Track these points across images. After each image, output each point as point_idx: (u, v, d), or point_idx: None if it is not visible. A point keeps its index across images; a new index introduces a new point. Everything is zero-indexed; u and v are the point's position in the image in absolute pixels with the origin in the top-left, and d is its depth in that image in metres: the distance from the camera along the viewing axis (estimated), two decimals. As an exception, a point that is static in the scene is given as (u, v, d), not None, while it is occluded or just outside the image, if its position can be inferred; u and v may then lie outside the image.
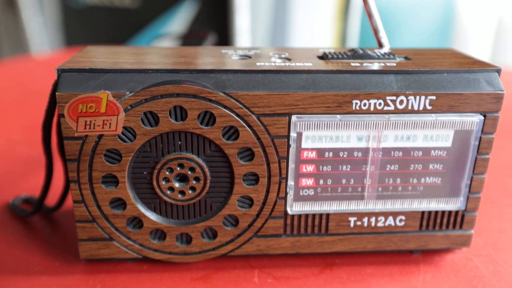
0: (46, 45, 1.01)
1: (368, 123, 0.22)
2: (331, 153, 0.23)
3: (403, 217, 0.24)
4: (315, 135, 0.22)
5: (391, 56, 0.24)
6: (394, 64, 0.23)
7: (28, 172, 0.35)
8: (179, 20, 0.97)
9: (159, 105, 0.21)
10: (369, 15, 0.27)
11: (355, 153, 0.23)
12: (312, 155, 0.23)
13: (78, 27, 1.01)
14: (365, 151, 0.23)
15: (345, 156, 0.23)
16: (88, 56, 0.23)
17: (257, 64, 0.22)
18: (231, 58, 0.23)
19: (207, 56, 0.24)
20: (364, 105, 0.22)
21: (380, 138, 0.23)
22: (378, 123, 0.22)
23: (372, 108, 0.22)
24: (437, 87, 0.22)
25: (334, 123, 0.22)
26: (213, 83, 0.21)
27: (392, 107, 0.22)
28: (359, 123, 0.22)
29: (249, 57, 0.24)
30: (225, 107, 0.21)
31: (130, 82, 0.21)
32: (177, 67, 0.21)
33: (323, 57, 0.24)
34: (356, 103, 0.22)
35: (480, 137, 0.23)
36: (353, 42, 0.93)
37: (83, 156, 0.21)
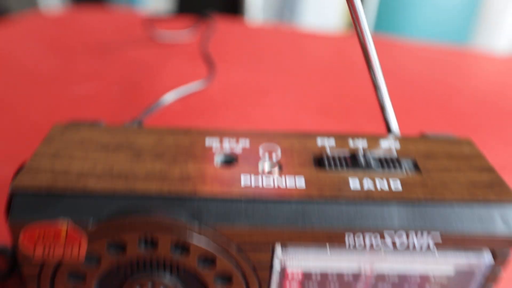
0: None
1: (361, 257, 0.20)
2: (318, 275, 0.21)
3: (392, 336, 0.22)
4: (302, 259, 0.20)
5: (397, 166, 0.21)
6: (399, 187, 0.20)
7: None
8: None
9: (126, 235, 0.18)
10: (380, 101, 0.24)
11: (345, 277, 0.21)
12: (298, 276, 0.21)
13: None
14: (357, 275, 0.21)
15: (334, 278, 0.21)
16: (50, 153, 0.20)
17: (241, 180, 0.20)
18: (213, 166, 0.20)
19: (186, 160, 0.21)
20: (358, 241, 0.19)
21: (374, 266, 0.20)
22: (373, 258, 0.20)
23: (367, 245, 0.19)
24: (444, 224, 0.19)
25: (323, 256, 0.20)
26: (188, 213, 0.19)
27: (390, 245, 0.19)
28: (351, 257, 0.20)
29: (235, 159, 0.21)
30: (201, 236, 0.19)
31: (94, 208, 0.18)
32: (148, 189, 0.19)
33: (320, 163, 0.21)
34: (349, 239, 0.19)
35: (487, 274, 0.20)
36: (368, 16, 0.87)
37: (43, 278, 0.19)
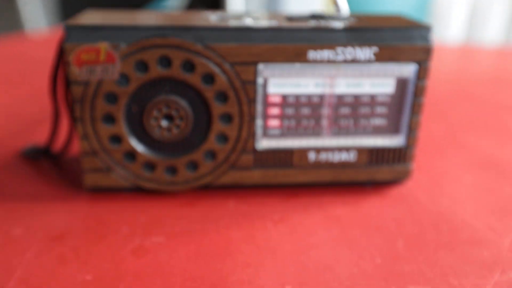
0: (41, 21, 1.04)
1: (322, 71, 0.27)
2: (293, 98, 0.27)
3: (355, 153, 0.29)
4: (279, 82, 0.27)
5: (345, 19, 0.28)
6: (346, 24, 0.27)
7: (36, 126, 0.39)
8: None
9: (149, 55, 0.25)
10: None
11: (314, 98, 0.27)
12: (277, 99, 0.27)
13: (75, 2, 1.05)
14: (322, 96, 0.27)
15: (305, 100, 0.27)
16: (90, 16, 0.28)
17: (231, 22, 0.27)
18: (210, 19, 0.28)
19: (190, 17, 0.28)
20: (318, 55, 0.26)
21: (334, 85, 0.27)
22: (331, 71, 0.27)
23: (325, 58, 0.26)
24: (379, 40, 0.26)
25: (294, 70, 0.26)
26: (193, 37, 0.26)
27: (341, 57, 0.26)
28: (314, 71, 0.27)
29: (226, 19, 0.28)
30: (203, 56, 0.26)
31: (125, 36, 0.25)
32: (164, 24, 0.26)
33: (289, 18, 0.28)
34: (311, 54, 0.26)
35: (416, 83, 0.27)
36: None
37: (85, 98, 0.26)
